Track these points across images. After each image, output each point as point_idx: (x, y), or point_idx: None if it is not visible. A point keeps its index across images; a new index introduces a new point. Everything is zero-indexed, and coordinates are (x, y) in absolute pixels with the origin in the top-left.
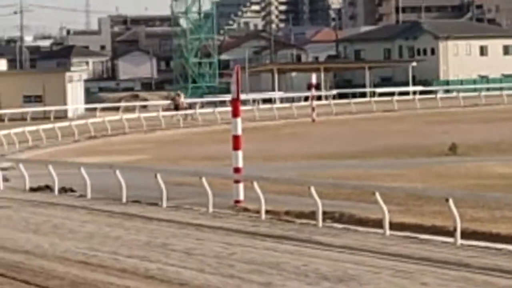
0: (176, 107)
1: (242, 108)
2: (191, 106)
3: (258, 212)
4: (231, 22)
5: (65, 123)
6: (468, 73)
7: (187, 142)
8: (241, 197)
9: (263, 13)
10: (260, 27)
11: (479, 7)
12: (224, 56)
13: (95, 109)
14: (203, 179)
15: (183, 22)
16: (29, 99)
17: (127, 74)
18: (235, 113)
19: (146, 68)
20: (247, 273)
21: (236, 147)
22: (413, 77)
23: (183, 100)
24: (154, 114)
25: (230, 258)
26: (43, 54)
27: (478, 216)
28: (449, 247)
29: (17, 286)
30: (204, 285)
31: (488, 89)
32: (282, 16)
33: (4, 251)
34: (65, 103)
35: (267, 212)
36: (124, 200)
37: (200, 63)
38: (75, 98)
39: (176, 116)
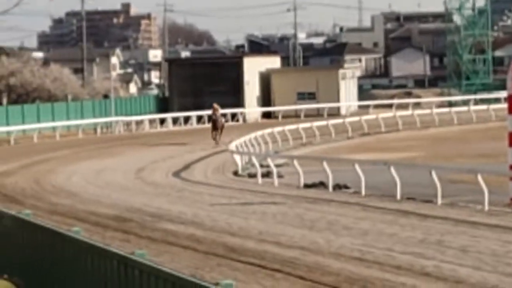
0: (214, 124)
1: None
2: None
3: None
4: (505, 18)
5: (338, 120)
6: None
7: (461, 139)
8: None
9: None
10: None
11: None
12: (498, 53)
13: (368, 106)
14: (479, 176)
15: (456, 18)
16: (302, 96)
17: (400, 71)
18: None
19: (419, 65)
20: None
21: None
22: None
23: (220, 114)
24: (427, 111)
25: (507, 256)
26: (316, 51)
27: None
28: None
29: (293, 282)
30: (481, 283)
31: None
32: None
33: (280, 247)
34: (338, 100)
35: None
36: (398, 197)
37: (474, 60)
38: (348, 95)
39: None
